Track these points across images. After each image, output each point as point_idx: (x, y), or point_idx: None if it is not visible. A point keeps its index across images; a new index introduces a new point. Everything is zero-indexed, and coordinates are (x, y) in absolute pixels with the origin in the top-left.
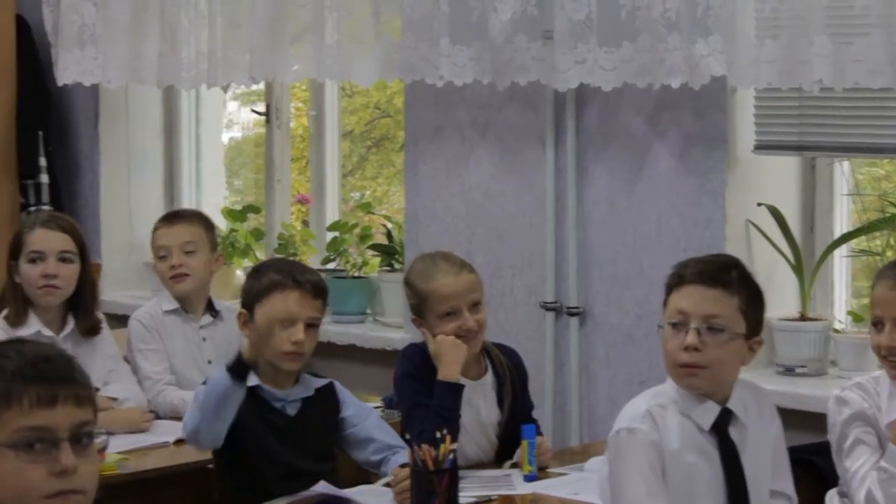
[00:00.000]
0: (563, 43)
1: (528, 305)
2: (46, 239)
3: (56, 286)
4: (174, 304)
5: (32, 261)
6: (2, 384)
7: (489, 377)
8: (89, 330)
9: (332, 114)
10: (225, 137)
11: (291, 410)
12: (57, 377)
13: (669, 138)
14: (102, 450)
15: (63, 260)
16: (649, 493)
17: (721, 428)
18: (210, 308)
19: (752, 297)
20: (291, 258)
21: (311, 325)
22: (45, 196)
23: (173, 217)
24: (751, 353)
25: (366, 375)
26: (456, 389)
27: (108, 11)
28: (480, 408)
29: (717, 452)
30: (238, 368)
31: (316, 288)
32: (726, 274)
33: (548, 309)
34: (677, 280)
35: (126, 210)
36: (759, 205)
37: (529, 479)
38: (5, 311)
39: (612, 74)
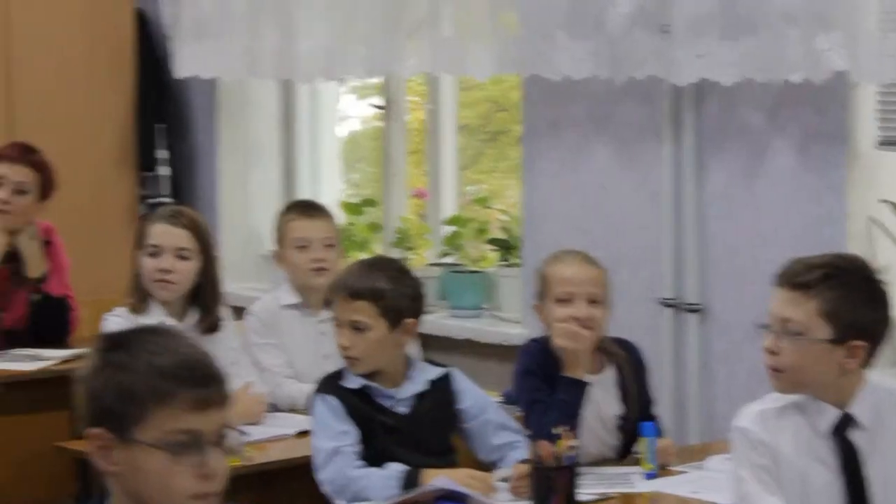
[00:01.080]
0: (682, 37)
1: (646, 302)
2: (166, 234)
3: (170, 281)
4: (294, 299)
5: (151, 254)
6: (157, 382)
7: (610, 372)
8: (208, 328)
9: (449, 108)
10: (340, 130)
11: (403, 408)
12: (210, 381)
13: (789, 134)
14: (233, 452)
15: (180, 257)
16: (766, 490)
17: (840, 433)
18: (329, 302)
19: (843, 299)
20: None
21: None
22: (165, 188)
23: (311, 209)
24: (852, 357)
25: (483, 370)
26: (580, 386)
27: (225, 4)
28: (600, 403)
29: (836, 458)
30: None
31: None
32: (807, 275)
33: (666, 305)
34: (774, 280)
35: (243, 202)
36: (882, 202)
37: (649, 476)
38: (131, 299)
39: (732, 69)
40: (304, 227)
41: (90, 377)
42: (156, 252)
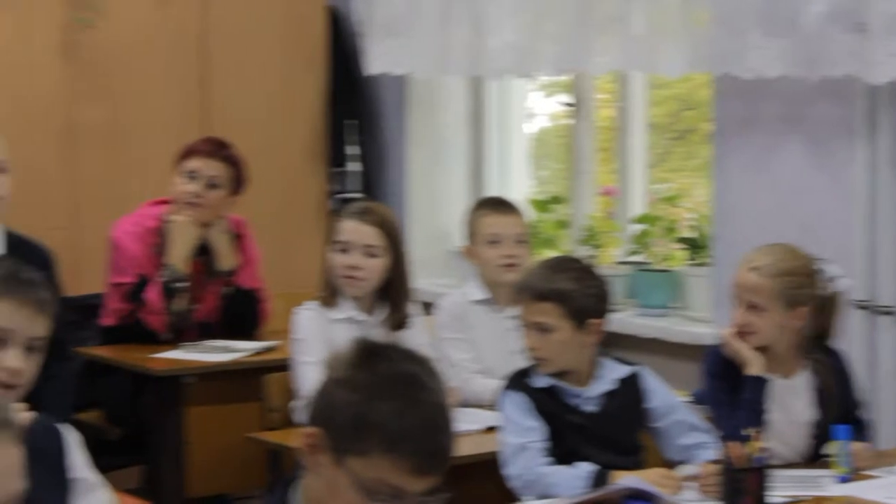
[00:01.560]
0: (879, 35)
1: None
2: (355, 231)
3: (358, 278)
4: (483, 294)
5: (341, 250)
6: (396, 437)
7: (804, 375)
8: (397, 323)
9: (639, 105)
10: (528, 127)
11: (592, 406)
12: (437, 453)
13: None
14: None
15: (369, 254)
16: None
17: None
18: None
19: None
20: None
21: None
22: (356, 184)
23: (503, 205)
24: None
25: (671, 369)
26: (761, 383)
27: (416, 2)
28: (792, 406)
29: None
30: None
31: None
32: None
33: (859, 307)
34: None
35: (432, 198)
36: None
37: (842, 480)
38: (321, 292)
39: None
40: (496, 223)
41: (339, 383)
42: (345, 248)
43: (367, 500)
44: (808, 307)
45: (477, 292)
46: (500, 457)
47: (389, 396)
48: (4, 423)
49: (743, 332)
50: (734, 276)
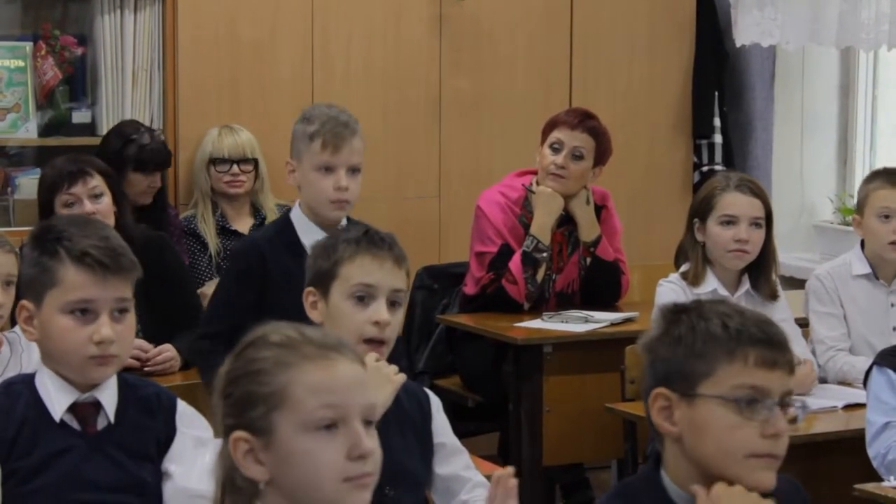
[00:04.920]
0: None
1: None
2: (744, 204)
3: (746, 251)
4: (865, 269)
5: (724, 223)
6: (727, 339)
7: None
8: (769, 294)
9: None
10: None
11: None
12: (777, 342)
13: None
14: (794, 420)
15: (755, 225)
16: None
17: None
18: None
19: None
20: None
21: None
22: (718, 156)
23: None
24: None
25: None
26: None
27: None
28: None
29: None
30: None
31: None
32: None
33: None
34: None
35: (798, 172)
36: None
37: None
38: (684, 267)
39: None
40: (890, 197)
41: (655, 342)
42: (731, 221)
43: (741, 417)
44: None
45: (859, 265)
46: (866, 435)
47: (705, 316)
48: (346, 345)
49: None
50: None
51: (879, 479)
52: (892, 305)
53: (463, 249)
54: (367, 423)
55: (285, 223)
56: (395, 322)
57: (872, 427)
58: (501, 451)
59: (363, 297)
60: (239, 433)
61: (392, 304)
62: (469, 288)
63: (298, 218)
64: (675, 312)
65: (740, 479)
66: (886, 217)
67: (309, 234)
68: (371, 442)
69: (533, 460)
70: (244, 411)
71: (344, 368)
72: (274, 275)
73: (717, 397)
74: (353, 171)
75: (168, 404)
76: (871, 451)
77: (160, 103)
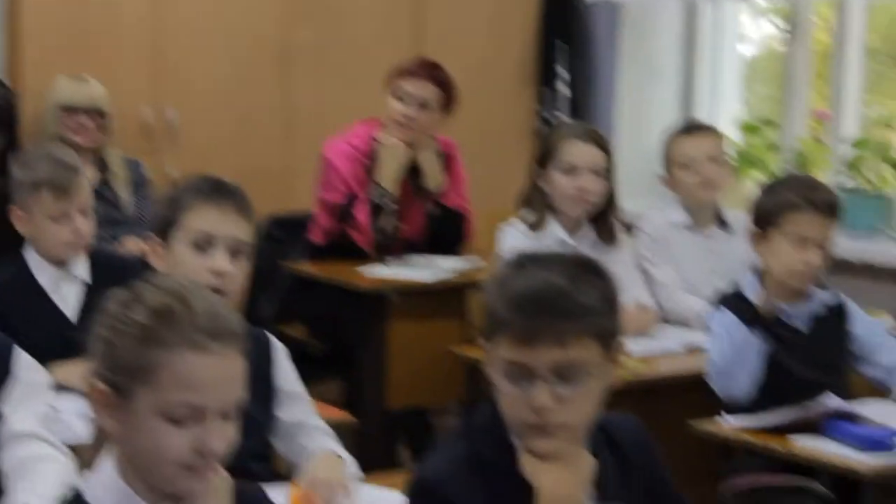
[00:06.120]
0: None
1: None
2: (585, 153)
3: (588, 200)
4: (682, 216)
5: (567, 171)
6: (502, 308)
7: None
8: (609, 239)
9: (856, 30)
10: (740, 50)
11: (803, 326)
12: (544, 314)
13: None
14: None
15: (597, 176)
16: None
17: None
18: (719, 220)
19: None
20: (805, 174)
21: (821, 245)
22: (563, 106)
23: (698, 128)
24: None
25: (876, 292)
26: None
27: None
28: None
29: None
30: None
31: (829, 207)
32: None
33: None
34: None
35: (640, 121)
36: None
37: None
38: (527, 214)
39: None
40: (689, 146)
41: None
42: (572, 170)
43: (515, 385)
44: None
45: (677, 214)
46: (709, 372)
47: (506, 279)
48: (231, 331)
49: None
50: None
51: (717, 414)
52: (711, 251)
53: (310, 197)
54: (227, 415)
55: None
56: (237, 273)
57: (713, 366)
58: (346, 397)
59: (203, 245)
60: (100, 385)
61: (234, 254)
62: (315, 236)
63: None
64: (506, 265)
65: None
66: (688, 166)
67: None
68: (221, 439)
69: (376, 405)
70: (110, 367)
71: (217, 365)
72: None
73: (499, 365)
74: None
75: (3, 348)
76: (715, 385)
77: (4, 55)
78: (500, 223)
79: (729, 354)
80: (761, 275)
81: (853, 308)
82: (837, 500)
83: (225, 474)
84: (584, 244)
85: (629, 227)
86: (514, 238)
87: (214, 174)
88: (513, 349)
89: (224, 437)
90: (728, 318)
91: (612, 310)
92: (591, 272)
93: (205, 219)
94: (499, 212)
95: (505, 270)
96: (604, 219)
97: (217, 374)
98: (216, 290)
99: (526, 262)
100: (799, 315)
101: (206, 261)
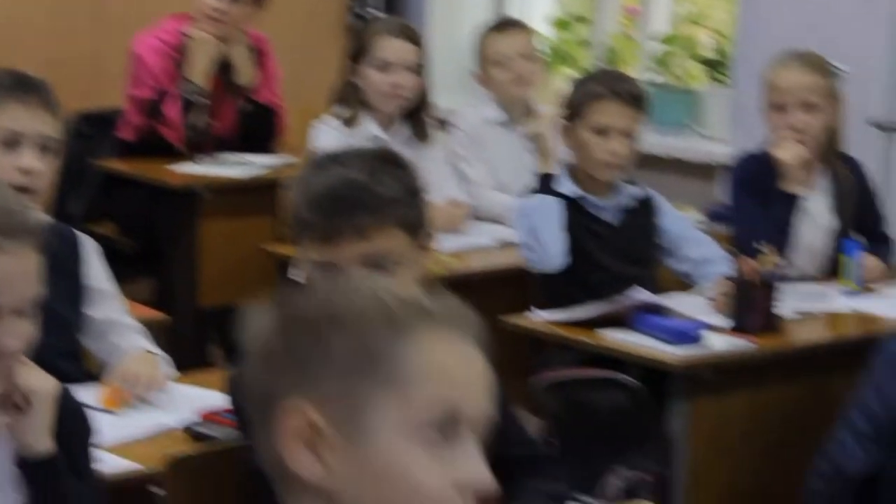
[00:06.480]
0: None
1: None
2: (400, 49)
3: (403, 96)
4: (497, 112)
5: (380, 68)
6: (305, 209)
7: (825, 183)
8: (422, 135)
9: None
10: None
11: (613, 219)
12: (346, 212)
13: None
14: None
15: (410, 70)
16: None
17: None
18: (531, 114)
19: None
20: (613, 69)
21: (626, 135)
22: (377, 1)
23: (509, 25)
24: None
25: (684, 187)
26: (793, 200)
27: None
28: (816, 215)
29: None
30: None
31: (633, 98)
32: None
33: (881, 129)
34: None
35: (453, 16)
36: None
37: (850, 294)
38: (341, 110)
39: None
40: (502, 43)
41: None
42: (386, 66)
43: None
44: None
45: (490, 111)
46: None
47: (309, 177)
48: (24, 228)
49: (797, 137)
50: (776, 81)
51: (528, 310)
52: (525, 148)
53: (120, 94)
54: (22, 312)
55: None
56: (45, 170)
57: (523, 244)
58: (158, 296)
59: (10, 143)
60: None
61: (42, 151)
62: (125, 133)
63: None
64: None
65: None
66: (502, 63)
67: None
68: (14, 336)
69: (188, 303)
70: None
71: (9, 262)
72: None
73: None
74: None
75: None
76: (529, 262)
77: None
78: (312, 120)
79: (536, 223)
80: (571, 168)
81: (662, 202)
82: (646, 391)
83: (53, 380)
84: (398, 141)
85: (443, 124)
86: (327, 135)
87: (18, 69)
88: (318, 249)
89: (17, 333)
90: (532, 199)
91: (415, 199)
92: (390, 163)
93: (10, 116)
94: (311, 108)
95: (306, 172)
96: (417, 115)
97: (9, 270)
98: (24, 189)
99: (326, 161)
100: (609, 208)
101: (13, 159)
